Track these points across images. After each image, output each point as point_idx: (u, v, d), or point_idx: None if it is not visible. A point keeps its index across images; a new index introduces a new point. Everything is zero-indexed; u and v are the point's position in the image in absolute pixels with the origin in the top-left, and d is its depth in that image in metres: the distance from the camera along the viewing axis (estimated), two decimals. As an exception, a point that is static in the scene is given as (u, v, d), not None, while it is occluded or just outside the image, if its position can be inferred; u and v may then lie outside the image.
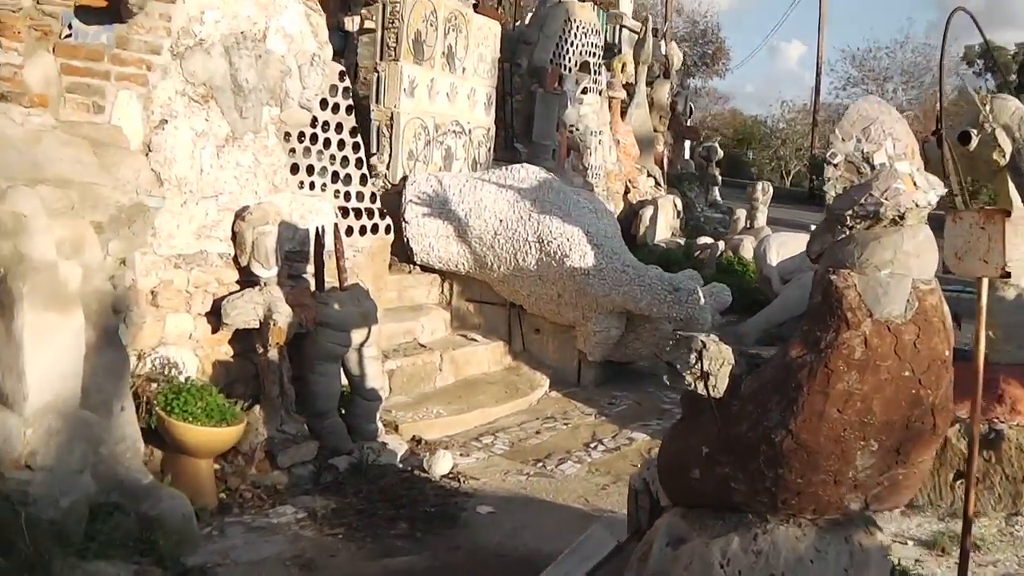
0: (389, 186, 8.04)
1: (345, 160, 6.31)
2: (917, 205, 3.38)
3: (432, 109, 8.42)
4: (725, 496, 3.59)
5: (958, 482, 5.64)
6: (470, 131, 9.02)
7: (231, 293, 5.49)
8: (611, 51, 15.07)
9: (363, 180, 6.46)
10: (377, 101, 7.99)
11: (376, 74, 7.96)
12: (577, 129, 11.01)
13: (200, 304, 5.43)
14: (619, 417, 7.32)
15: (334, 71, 6.13)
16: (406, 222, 7.84)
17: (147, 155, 5.10)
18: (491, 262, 7.79)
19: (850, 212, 3.41)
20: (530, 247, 7.62)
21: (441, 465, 5.81)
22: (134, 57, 5.09)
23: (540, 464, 6.20)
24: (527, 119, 10.30)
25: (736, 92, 53.85)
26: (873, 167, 3.44)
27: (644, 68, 14.87)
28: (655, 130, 16.52)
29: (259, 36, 5.66)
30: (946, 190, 3.71)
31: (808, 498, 3.46)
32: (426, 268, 8.14)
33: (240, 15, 5.54)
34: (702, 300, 7.56)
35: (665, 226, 14.36)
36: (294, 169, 5.95)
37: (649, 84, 16.08)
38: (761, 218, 13.47)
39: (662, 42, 20.06)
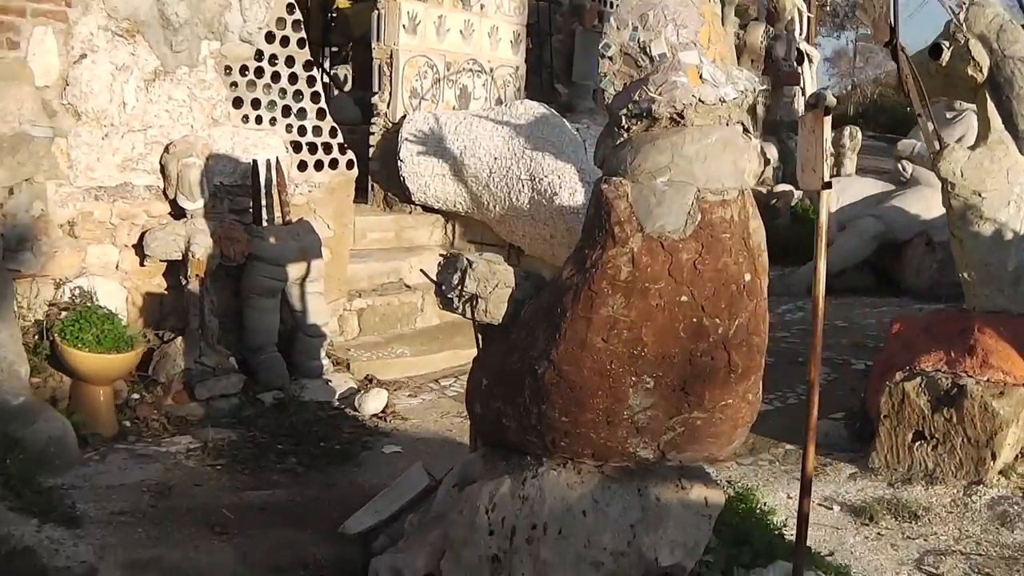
0: (390, 125, 7.92)
1: (299, 94, 6.22)
2: (701, 101, 2.93)
3: (442, 47, 8.21)
4: (501, 434, 3.31)
5: (917, 443, 5.09)
6: (492, 70, 8.77)
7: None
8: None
9: (320, 114, 6.35)
10: (377, 39, 7.84)
11: (376, 12, 7.81)
12: (625, 69, 10.52)
13: (126, 236, 5.49)
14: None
15: (281, 4, 6.02)
16: (401, 160, 7.70)
17: (64, 89, 5.17)
18: (487, 201, 7.55)
19: (624, 111, 3.01)
20: (523, 185, 7.32)
21: (372, 404, 5.70)
22: (52, -7, 5.16)
23: (486, 407, 5.99)
24: (568, 59, 9.91)
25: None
26: (652, 58, 3.01)
27: (731, 9, 14.06)
28: (746, 75, 15.59)
29: (191, -32, 5.62)
30: (765, 86, 3.26)
31: (580, 440, 3.12)
32: (428, 208, 8.00)
33: (167, -52, 5.51)
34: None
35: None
36: (237, 103, 5.90)
37: (743, 27, 15.21)
38: (849, 165, 12.47)
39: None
